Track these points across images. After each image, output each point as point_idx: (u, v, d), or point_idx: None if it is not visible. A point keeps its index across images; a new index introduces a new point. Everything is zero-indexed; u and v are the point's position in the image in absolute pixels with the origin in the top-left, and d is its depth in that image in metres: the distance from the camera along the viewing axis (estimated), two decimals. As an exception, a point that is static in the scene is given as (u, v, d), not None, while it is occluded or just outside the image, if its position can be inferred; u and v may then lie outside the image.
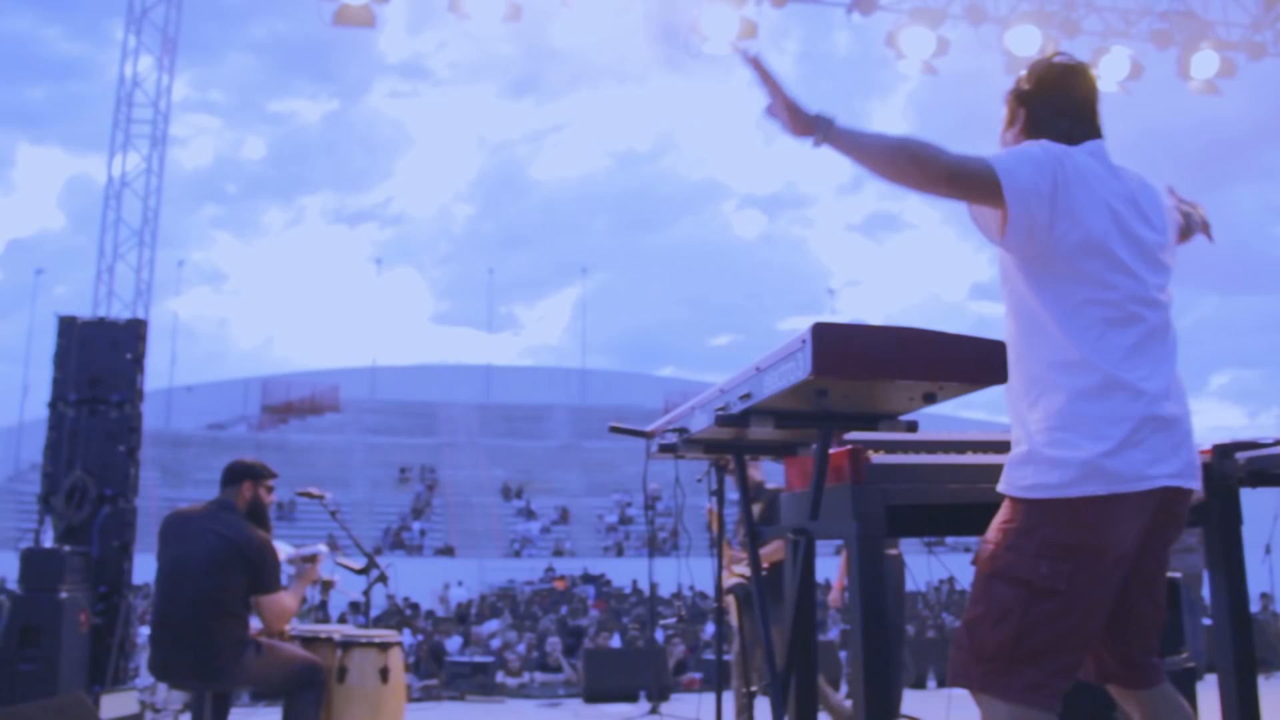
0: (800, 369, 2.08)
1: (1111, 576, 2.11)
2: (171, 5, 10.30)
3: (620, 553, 30.63)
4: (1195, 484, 2.16)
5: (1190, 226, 2.63)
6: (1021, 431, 2.18)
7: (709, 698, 5.71)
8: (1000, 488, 2.19)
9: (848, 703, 5.22)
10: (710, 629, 13.74)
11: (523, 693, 10.60)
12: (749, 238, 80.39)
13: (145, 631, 6.72)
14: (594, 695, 8.96)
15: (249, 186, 77.85)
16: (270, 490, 4.60)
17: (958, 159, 2.12)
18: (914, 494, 2.51)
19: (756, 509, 5.83)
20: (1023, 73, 2.41)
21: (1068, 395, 2.10)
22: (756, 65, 2.23)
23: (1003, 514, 2.18)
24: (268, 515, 4.57)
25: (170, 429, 33.70)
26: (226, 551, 4.30)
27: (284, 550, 4.80)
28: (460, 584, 25.27)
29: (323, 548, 4.91)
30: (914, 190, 2.16)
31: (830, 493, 2.52)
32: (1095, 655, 2.32)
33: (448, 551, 29.94)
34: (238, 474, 4.56)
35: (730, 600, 5.72)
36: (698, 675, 11.11)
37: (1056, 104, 2.33)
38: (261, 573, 4.34)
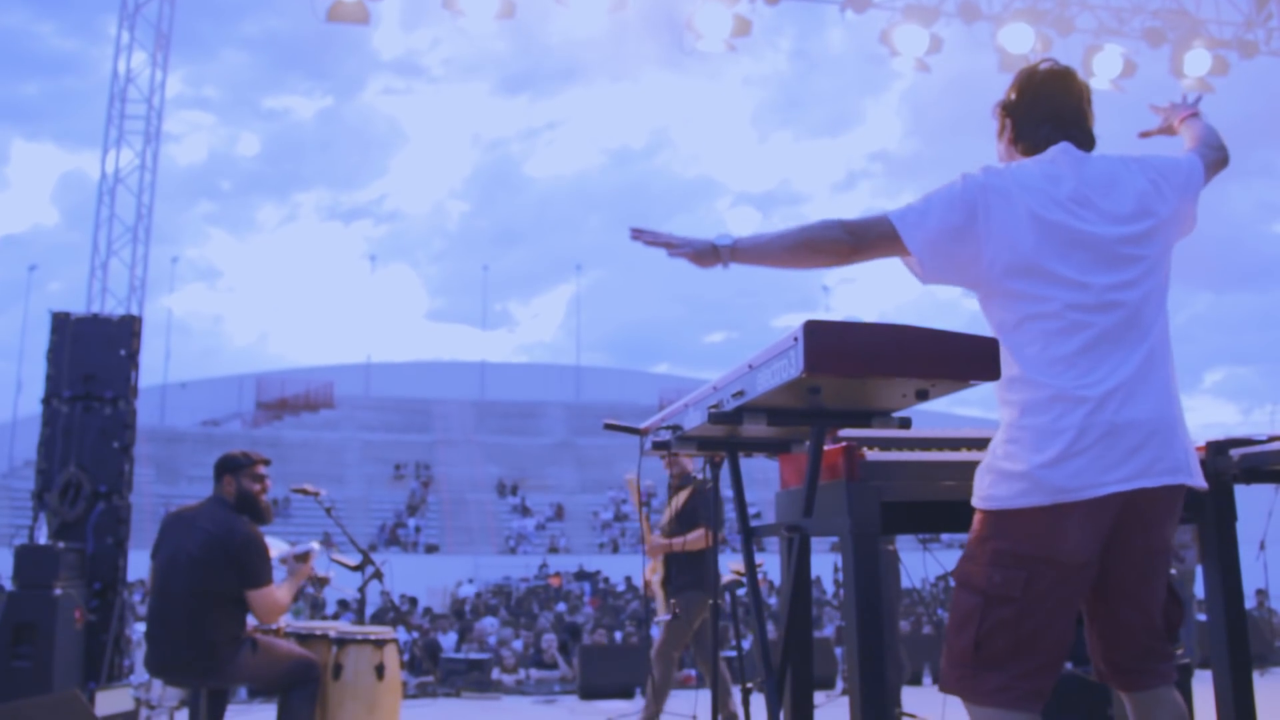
0: (793, 366, 2.08)
1: (1070, 584, 2.12)
2: (165, 1, 10.27)
3: (615, 549, 30.67)
4: (1166, 480, 2.11)
5: (1217, 151, 2.58)
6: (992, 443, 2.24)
7: (705, 694, 5.72)
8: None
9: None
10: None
11: (519, 689, 10.61)
12: (744, 235, 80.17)
13: (140, 628, 6.71)
14: (590, 692, 8.96)
15: (243, 183, 77.72)
16: (259, 479, 4.58)
17: (855, 231, 2.21)
18: (908, 491, 2.52)
19: (682, 497, 5.89)
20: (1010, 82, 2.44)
21: (1015, 410, 2.15)
22: (648, 238, 2.34)
23: (973, 524, 2.24)
24: (260, 505, 4.56)
25: (165, 425, 33.63)
26: (211, 548, 4.31)
27: (277, 546, 4.80)
28: (471, 581, 25.29)
29: (315, 545, 4.91)
30: (832, 268, 2.27)
31: (824, 490, 2.52)
32: (1093, 655, 2.33)
33: (433, 549, 29.97)
34: (218, 469, 4.58)
35: (656, 589, 5.79)
36: (693, 672, 11.12)
37: (1038, 112, 2.35)
38: (248, 567, 4.34)
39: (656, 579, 5.92)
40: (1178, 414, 2.17)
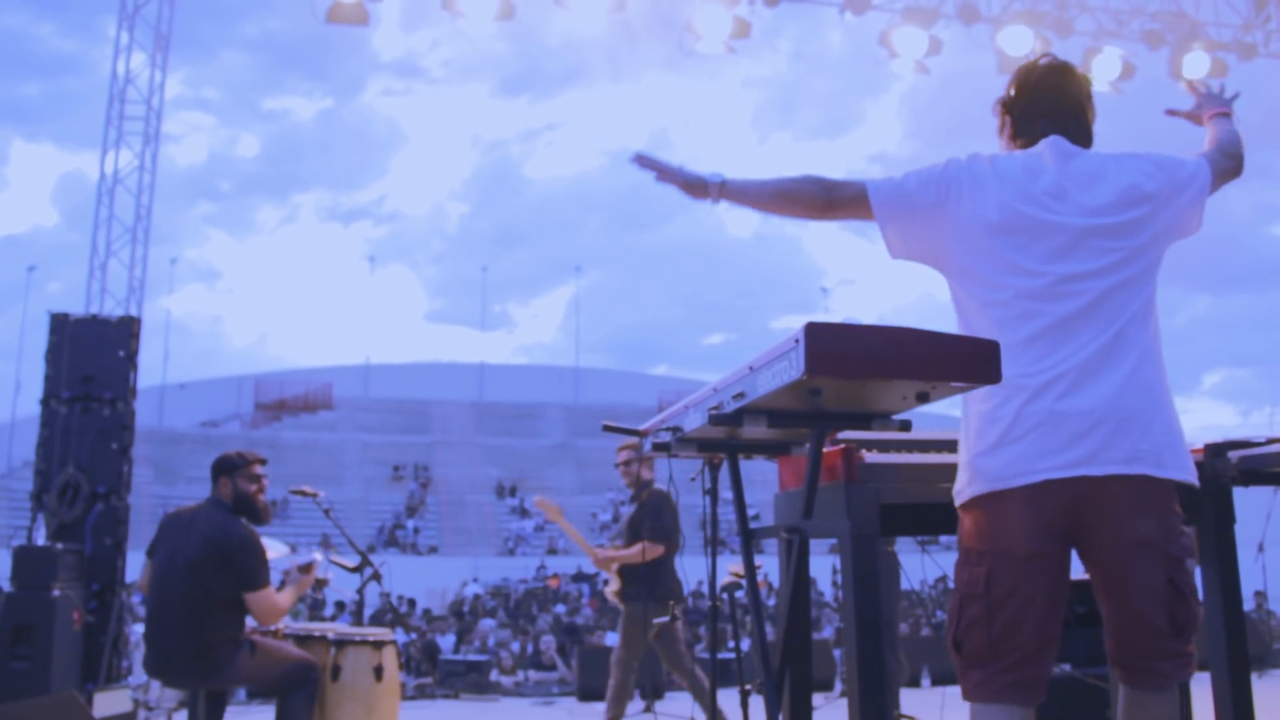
0: (793, 368, 2.08)
1: (1031, 577, 2.09)
2: (164, 2, 10.28)
3: (614, 551, 30.62)
4: (1118, 470, 2.05)
5: (1230, 160, 2.49)
6: None
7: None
8: None
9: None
10: (703, 628, 13.73)
11: (517, 691, 10.60)
12: (742, 236, 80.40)
13: (139, 630, 6.70)
14: (588, 694, 8.96)
15: (242, 184, 77.70)
16: (256, 479, 4.57)
17: (829, 188, 2.30)
18: (907, 493, 2.52)
19: (634, 507, 5.90)
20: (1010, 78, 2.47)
21: (969, 400, 2.19)
22: (647, 163, 2.41)
23: None
24: (256, 504, 4.55)
25: (163, 426, 33.59)
26: (208, 550, 4.31)
27: (276, 549, 4.79)
28: (476, 580, 25.27)
29: (317, 556, 4.90)
30: (808, 220, 2.38)
31: (824, 491, 2.53)
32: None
33: (432, 550, 29.94)
34: (214, 471, 4.59)
35: (615, 600, 5.82)
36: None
37: (1037, 108, 2.37)
38: (244, 570, 4.33)
39: (612, 590, 5.98)
40: (1146, 404, 2.10)
